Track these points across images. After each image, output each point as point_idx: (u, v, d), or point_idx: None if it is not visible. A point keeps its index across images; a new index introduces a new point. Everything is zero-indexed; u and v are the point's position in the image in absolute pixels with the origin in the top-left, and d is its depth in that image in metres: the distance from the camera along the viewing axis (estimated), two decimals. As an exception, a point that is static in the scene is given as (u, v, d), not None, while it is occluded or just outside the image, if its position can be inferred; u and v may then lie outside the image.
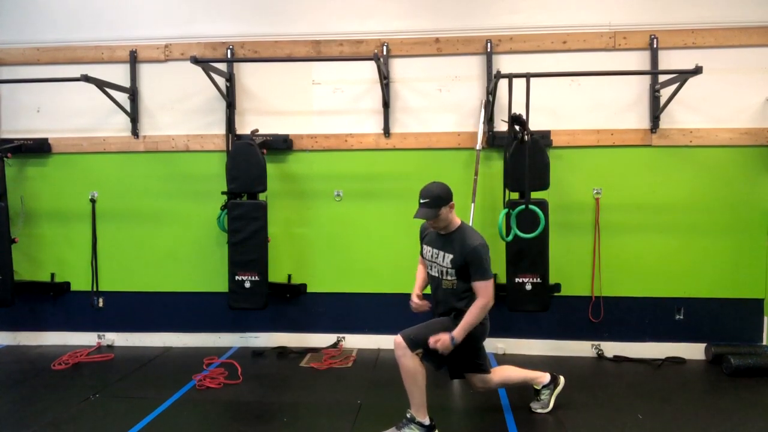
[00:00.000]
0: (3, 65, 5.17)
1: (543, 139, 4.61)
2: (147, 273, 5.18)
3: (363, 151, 4.99)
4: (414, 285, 3.56)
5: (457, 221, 3.34)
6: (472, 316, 3.19)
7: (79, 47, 5.12)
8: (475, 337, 3.33)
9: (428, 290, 3.55)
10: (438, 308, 3.43)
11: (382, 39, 4.92)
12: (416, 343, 3.21)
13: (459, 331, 3.18)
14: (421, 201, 3.23)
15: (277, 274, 5.01)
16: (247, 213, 4.67)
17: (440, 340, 3.15)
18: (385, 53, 4.88)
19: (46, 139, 5.15)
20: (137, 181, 5.15)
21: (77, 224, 5.19)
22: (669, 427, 3.46)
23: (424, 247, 3.48)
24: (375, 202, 4.99)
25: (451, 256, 3.27)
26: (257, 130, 4.90)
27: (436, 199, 3.20)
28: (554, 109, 4.81)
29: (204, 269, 5.11)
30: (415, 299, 3.43)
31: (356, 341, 5.06)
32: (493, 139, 4.81)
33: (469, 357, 3.43)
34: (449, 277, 3.31)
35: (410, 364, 3.19)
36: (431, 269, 3.43)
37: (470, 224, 4.29)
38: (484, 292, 3.22)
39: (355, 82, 4.98)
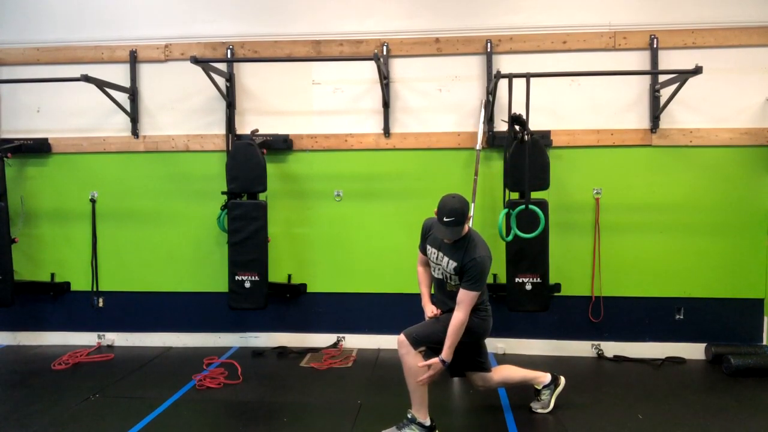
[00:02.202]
0: (3, 65, 5.17)
1: (543, 139, 4.61)
2: (147, 273, 5.18)
3: (363, 151, 4.99)
4: (421, 292, 3.53)
5: (466, 228, 3.27)
6: (451, 336, 3.17)
7: (79, 47, 5.13)
8: (476, 334, 3.34)
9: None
10: (441, 306, 3.41)
11: (382, 39, 4.92)
12: (419, 341, 3.23)
13: (447, 352, 3.18)
14: (446, 220, 3.09)
15: (277, 274, 5.01)
16: (247, 213, 4.67)
17: (432, 366, 3.17)
18: (385, 53, 4.88)
19: (46, 139, 5.15)
20: (137, 181, 5.15)
21: (77, 224, 5.19)
22: (669, 427, 3.46)
23: (429, 247, 3.42)
24: (375, 202, 4.99)
25: (455, 264, 3.23)
26: (257, 130, 4.90)
27: (461, 216, 3.11)
28: (554, 109, 4.81)
29: (204, 269, 5.12)
30: (429, 312, 3.41)
31: (356, 341, 5.06)
32: (493, 139, 4.81)
33: (470, 355, 3.43)
34: (452, 282, 3.30)
35: (413, 362, 3.20)
36: (434, 271, 3.41)
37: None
38: (465, 302, 3.16)
39: (355, 82, 4.98)
